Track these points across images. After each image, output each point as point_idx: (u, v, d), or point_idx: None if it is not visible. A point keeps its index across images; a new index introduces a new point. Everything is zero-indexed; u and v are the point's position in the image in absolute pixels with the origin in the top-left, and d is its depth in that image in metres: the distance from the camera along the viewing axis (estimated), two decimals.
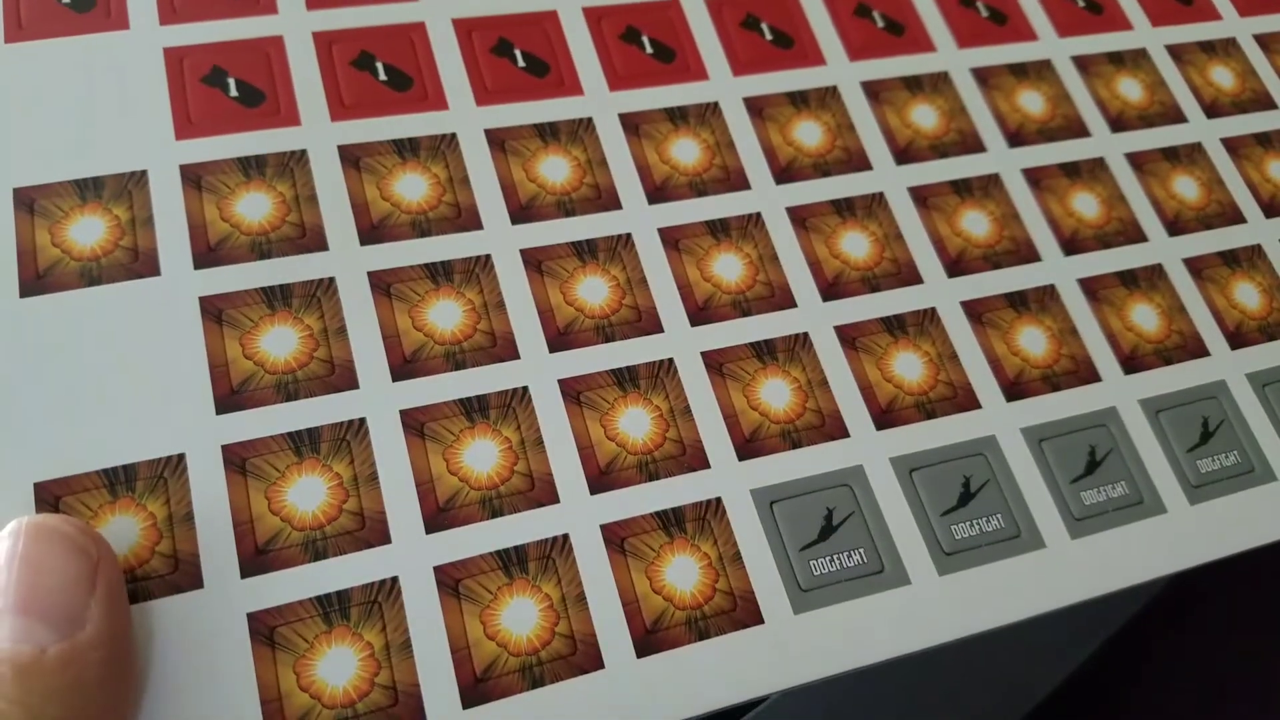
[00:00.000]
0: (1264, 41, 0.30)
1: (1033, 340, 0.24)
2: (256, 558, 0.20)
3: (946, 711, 0.37)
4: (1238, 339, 0.25)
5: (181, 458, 0.20)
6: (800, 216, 0.24)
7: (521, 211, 0.23)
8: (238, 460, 0.20)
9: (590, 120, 0.25)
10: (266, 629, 0.19)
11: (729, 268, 0.24)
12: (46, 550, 0.17)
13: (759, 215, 0.24)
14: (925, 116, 0.26)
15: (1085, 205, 0.26)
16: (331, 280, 0.22)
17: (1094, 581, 0.21)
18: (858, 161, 0.25)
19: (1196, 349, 0.24)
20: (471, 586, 0.20)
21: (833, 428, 0.22)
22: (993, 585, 0.21)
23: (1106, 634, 0.42)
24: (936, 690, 0.36)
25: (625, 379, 0.22)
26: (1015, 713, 0.39)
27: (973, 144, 0.26)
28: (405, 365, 0.21)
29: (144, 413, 0.20)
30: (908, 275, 0.24)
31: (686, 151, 0.25)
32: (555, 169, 0.24)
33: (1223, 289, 0.25)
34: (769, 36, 0.27)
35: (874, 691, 0.33)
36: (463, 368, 0.21)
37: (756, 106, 0.26)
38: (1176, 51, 0.29)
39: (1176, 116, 0.28)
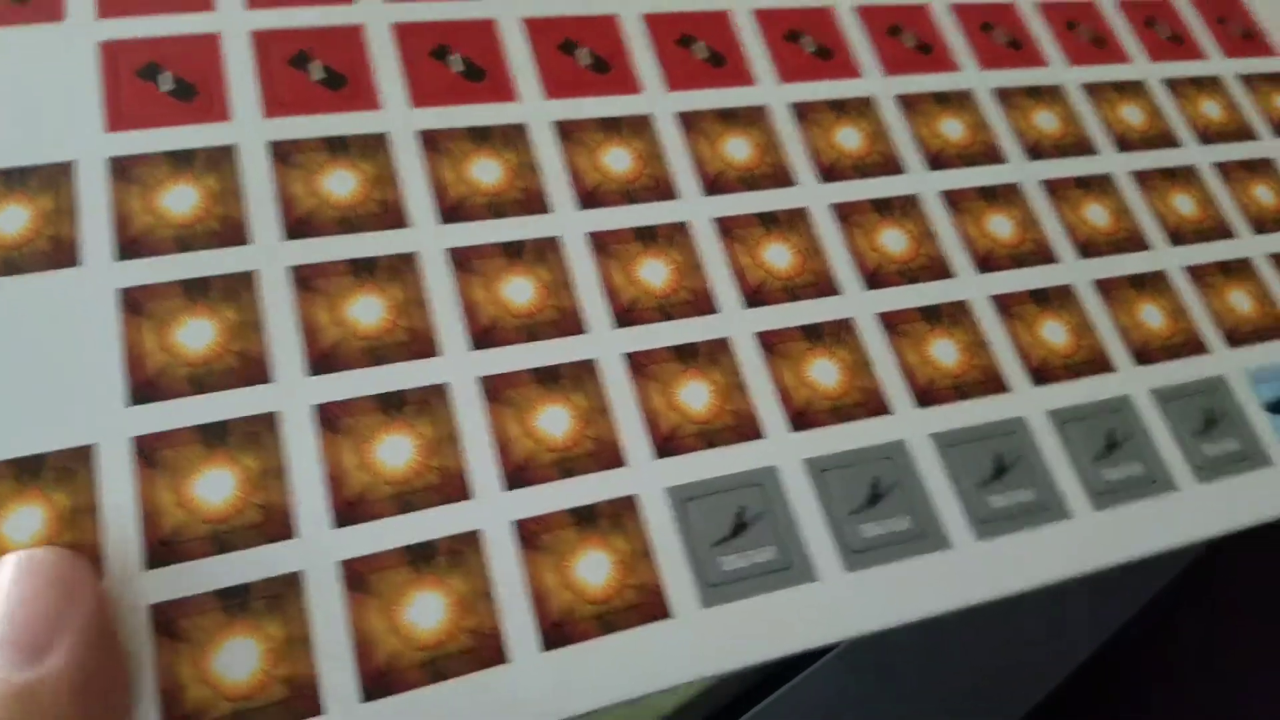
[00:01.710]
0: (1171, 84, 0.31)
1: (944, 351, 0.24)
2: (161, 549, 0.19)
3: (946, 710, 0.37)
4: (1143, 356, 0.26)
5: (91, 448, 0.20)
6: (726, 227, 0.25)
7: (451, 211, 0.24)
8: (148, 452, 0.20)
9: (523, 126, 0.25)
10: (168, 620, 0.19)
11: (655, 273, 0.24)
12: (24, 581, 0.17)
13: (686, 224, 0.25)
14: (849, 138, 0.27)
15: (1000, 227, 0.27)
16: (253, 273, 0.22)
17: (998, 582, 0.22)
18: (782, 177, 0.26)
19: (1103, 364, 0.25)
20: (377, 581, 0.20)
21: (748, 429, 0.23)
22: (897, 583, 0.21)
23: (1102, 637, 0.43)
24: (936, 690, 0.36)
25: (547, 378, 0.22)
26: (1013, 714, 0.39)
27: (894, 166, 0.27)
28: (323, 359, 0.21)
29: (55, 403, 0.20)
30: (826, 286, 0.25)
31: (618, 160, 0.25)
32: (487, 171, 0.24)
33: (1129, 309, 0.27)
34: (703, 55, 0.27)
35: (873, 693, 0.34)
36: (383, 363, 0.21)
37: (688, 121, 0.26)
38: (1092, 89, 0.30)
39: (1089, 149, 0.29)
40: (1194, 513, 0.24)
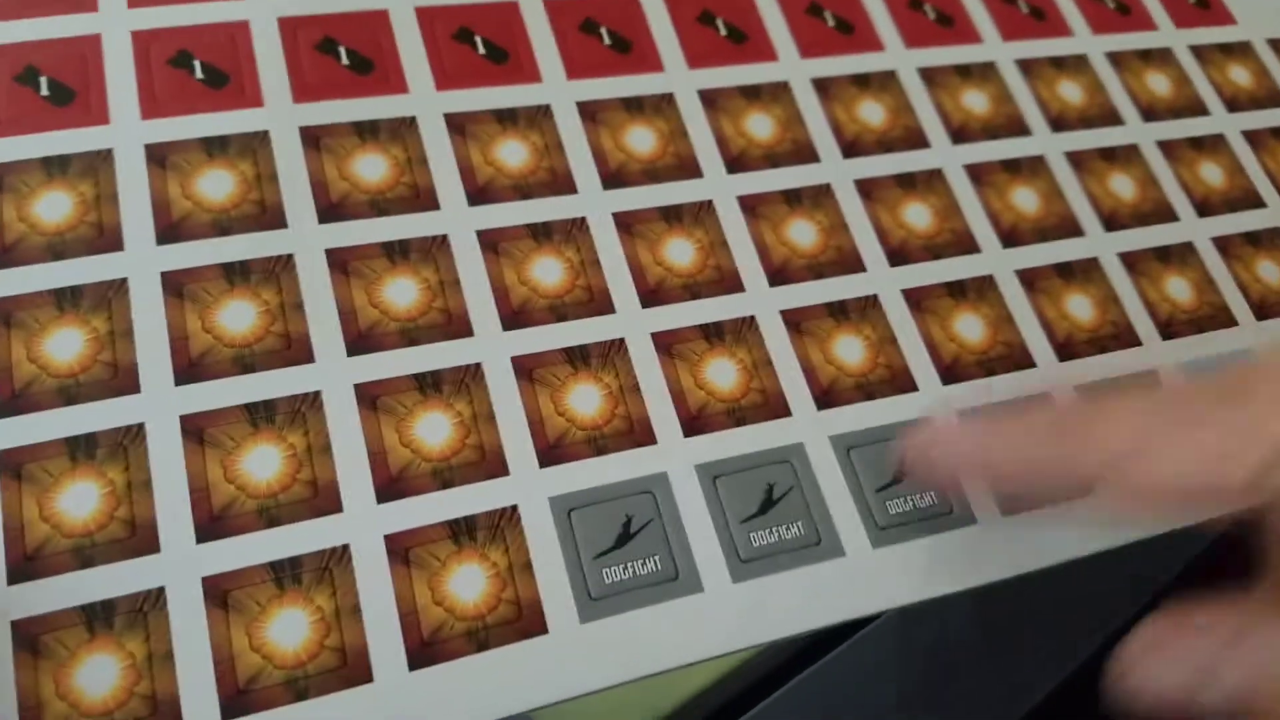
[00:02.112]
0: (1115, 58, 0.30)
1: (849, 349, 0.23)
2: (25, 565, 0.19)
3: (947, 711, 0.37)
4: (1066, 350, 0.25)
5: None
6: (626, 222, 0.24)
7: (331, 209, 0.23)
8: (13, 466, 0.19)
9: (413, 119, 0.24)
10: (30, 636, 0.18)
11: (549, 271, 0.23)
12: None
13: (584, 220, 0.24)
14: (760, 125, 0.26)
15: (917, 216, 0.26)
16: (124, 281, 0.21)
17: (898, 590, 0.21)
18: (689, 168, 0.25)
19: (1023, 359, 0.24)
20: (241, 598, 0.19)
21: (640, 434, 0.22)
22: (787, 592, 0.20)
23: (1102, 637, 0.42)
24: (936, 690, 0.36)
25: (428, 384, 0.21)
26: (1011, 714, 0.39)
27: (807, 154, 0.26)
28: (190, 368, 0.21)
29: None
30: (730, 283, 0.24)
31: (513, 153, 0.24)
32: (371, 167, 0.23)
33: (1054, 300, 0.25)
34: (607, 41, 0.26)
35: (873, 693, 0.33)
36: (252, 371, 0.21)
37: (590, 111, 0.25)
38: (1027, 65, 0.29)
39: (1021, 129, 0.28)
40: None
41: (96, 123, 0.23)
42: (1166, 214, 0.28)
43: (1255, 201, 0.29)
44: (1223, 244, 0.28)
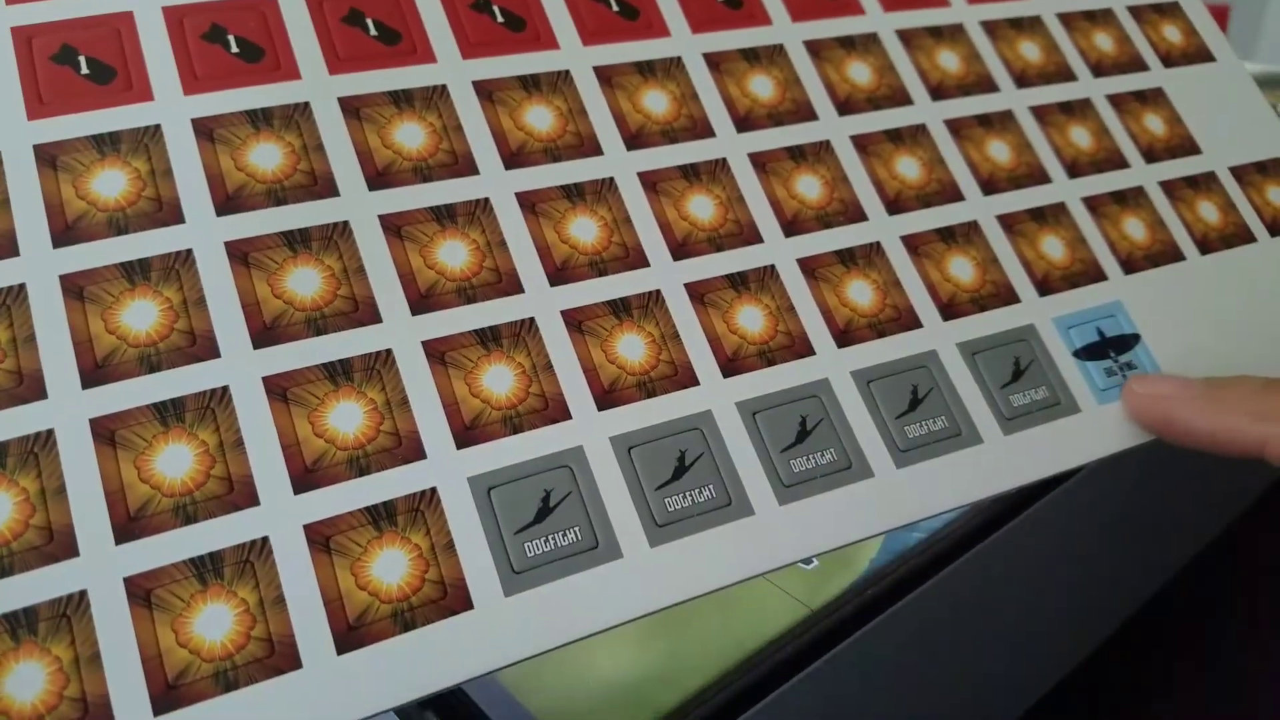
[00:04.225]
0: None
1: (750, 319, 0.25)
2: None
3: (947, 709, 0.38)
4: (951, 310, 0.26)
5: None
6: (529, 201, 0.25)
7: (227, 203, 0.23)
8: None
9: (307, 104, 0.24)
10: None
11: (454, 255, 0.24)
12: None
13: (487, 200, 0.24)
14: (656, 102, 0.27)
15: (808, 188, 0.27)
16: (22, 287, 0.21)
17: (804, 544, 0.22)
18: (588, 146, 0.26)
19: (910, 321, 0.26)
20: (163, 595, 0.19)
21: (555, 411, 0.22)
22: (702, 553, 0.22)
23: (1094, 643, 0.44)
24: (936, 689, 0.37)
25: (338, 373, 0.22)
26: (1010, 712, 0.40)
27: (703, 129, 0.27)
28: (96, 371, 0.20)
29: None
30: (635, 260, 0.25)
31: (412, 136, 0.24)
32: (267, 156, 0.23)
33: (938, 264, 0.27)
34: (500, 19, 0.27)
35: (874, 691, 0.34)
36: (158, 370, 0.21)
37: (486, 90, 0.26)
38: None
39: (903, 99, 0.29)
40: (998, 464, 0.24)
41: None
42: (1040, 176, 0.29)
43: (1120, 163, 0.31)
44: (1092, 203, 0.30)
